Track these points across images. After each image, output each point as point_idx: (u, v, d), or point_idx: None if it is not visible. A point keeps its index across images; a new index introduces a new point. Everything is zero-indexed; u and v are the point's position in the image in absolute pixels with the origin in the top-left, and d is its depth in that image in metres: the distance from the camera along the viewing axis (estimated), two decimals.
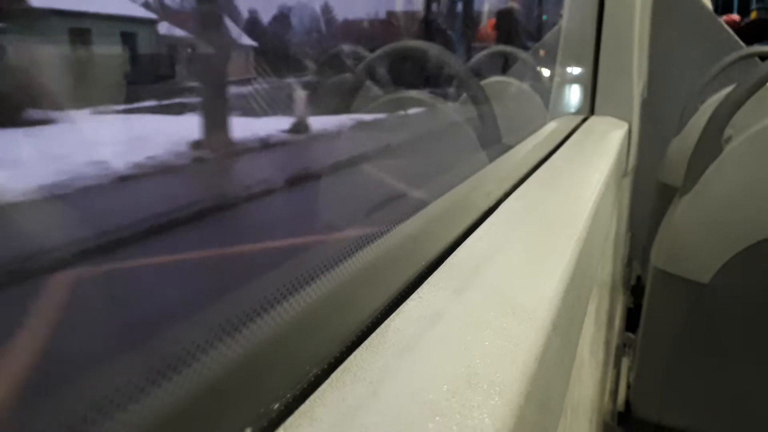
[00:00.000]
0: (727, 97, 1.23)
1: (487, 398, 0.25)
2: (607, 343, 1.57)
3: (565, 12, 1.25)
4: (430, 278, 0.37)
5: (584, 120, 1.13)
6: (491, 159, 0.75)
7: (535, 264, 0.43)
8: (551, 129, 1.03)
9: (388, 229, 0.40)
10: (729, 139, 1.26)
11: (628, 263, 2.36)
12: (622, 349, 2.05)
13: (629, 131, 1.12)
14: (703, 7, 2.43)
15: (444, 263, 0.39)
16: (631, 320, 2.16)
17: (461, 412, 0.24)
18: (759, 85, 1.28)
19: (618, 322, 1.98)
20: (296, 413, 0.23)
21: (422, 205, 0.47)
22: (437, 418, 0.23)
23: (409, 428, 0.22)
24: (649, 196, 2.16)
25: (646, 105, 2.37)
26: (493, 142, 1.55)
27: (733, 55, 2.07)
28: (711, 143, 1.24)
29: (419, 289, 0.35)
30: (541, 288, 0.39)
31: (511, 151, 0.83)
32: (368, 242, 0.37)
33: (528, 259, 0.43)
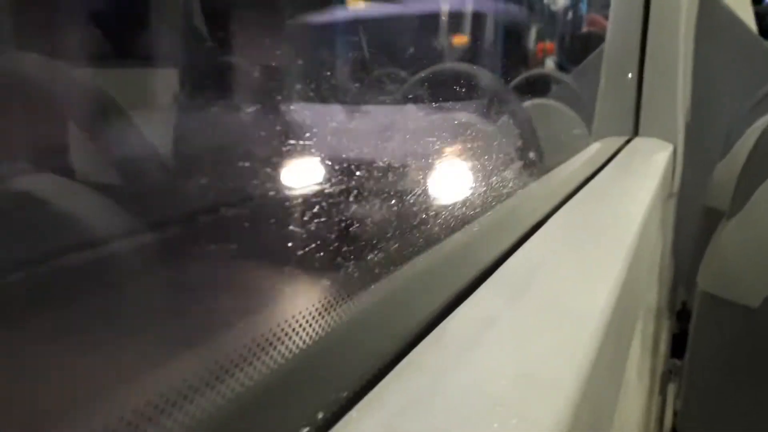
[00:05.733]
0: None
1: (544, 394, 0.26)
2: (653, 369, 1.54)
3: (608, 33, 1.26)
4: (483, 285, 0.38)
5: (628, 141, 1.13)
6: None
7: (586, 275, 0.43)
8: (595, 150, 1.03)
9: (442, 237, 0.41)
10: None
11: (673, 288, 2.31)
12: (668, 375, 2.00)
13: (674, 153, 1.12)
14: (747, 29, 2.40)
15: (496, 272, 0.40)
16: (677, 346, 2.11)
17: (521, 404, 0.25)
18: None
19: (663, 348, 1.94)
20: (365, 399, 0.24)
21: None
22: (498, 409, 0.24)
23: (471, 416, 0.23)
24: (694, 220, 2.12)
25: (691, 129, 2.33)
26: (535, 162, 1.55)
27: None
28: (759, 165, 1.22)
29: (473, 295, 0.36)
30: (593, 297, 0.40)
31: (555, 170, 0.84)
32: (424, 248, 0.38)
33: (578, 270, 0.44)
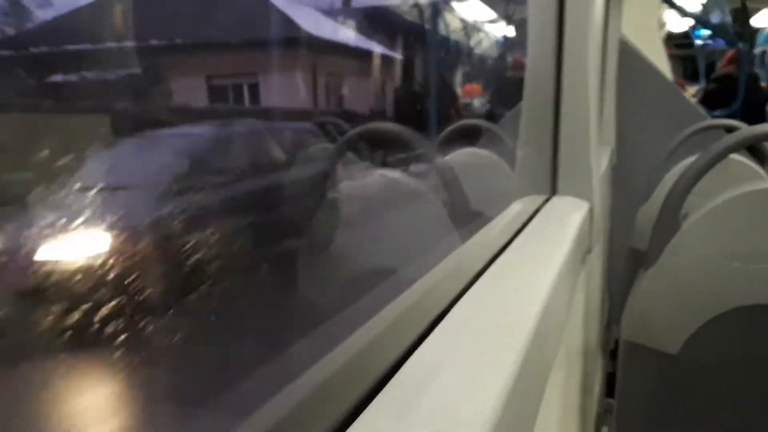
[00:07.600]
0: (685, 173, 1.29)
1: None
2: (584, 409, 1.58)
3: (525, 89, 1.29)
4: (372, 403, 0.38)
5: (547, 200, 1.16)
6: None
7: (480, 376, 0.44)
8: (516, 211, 1.06)
9: (333, 346, 0.42)
10: (686, 215, 1.31)
11: (607, 327, 2.38)
12: (603, 416, 2.04)
13: (591, 210, 1.16)
14: (663, 78, 2.54)
15: (388, 384, 0.41)
16: (612, 385, 2.16)
17: None
18: (716, 160, 1.34)
19: (597, 388, 1.98)
20: None
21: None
22: None
23: None
24: (625, 259, 2.19)
25: (617, 171, 2.44)
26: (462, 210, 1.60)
27: (693, 128, 2.17)
28: (670, 218, 1.28)
29: (362, 416, 0.37)
30: (483, 402, 0.41)
31: (472, 240, 0.86)
32: (311, 363, 0.39)
33: (473, 371, 0.45)
